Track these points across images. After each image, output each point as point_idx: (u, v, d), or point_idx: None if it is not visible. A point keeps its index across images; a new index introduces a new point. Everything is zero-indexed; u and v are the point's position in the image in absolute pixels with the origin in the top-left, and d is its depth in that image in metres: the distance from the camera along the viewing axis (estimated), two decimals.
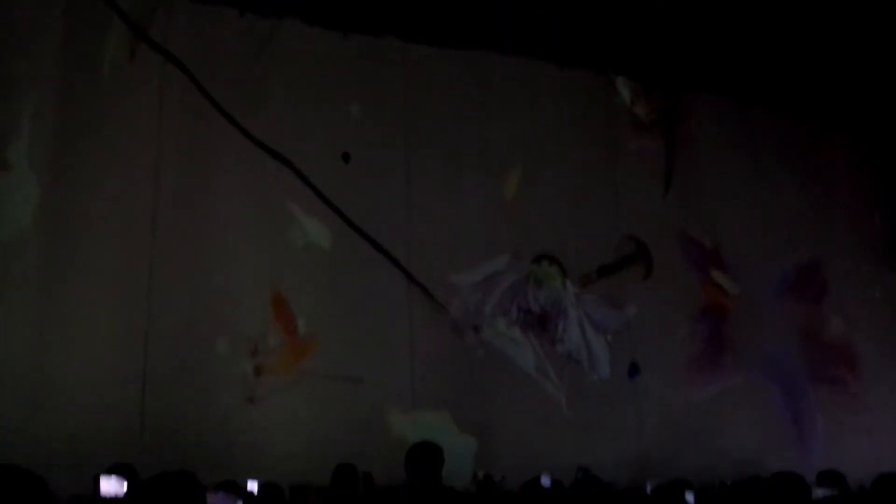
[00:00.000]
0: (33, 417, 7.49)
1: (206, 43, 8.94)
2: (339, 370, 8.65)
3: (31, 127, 8.19)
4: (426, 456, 4.62)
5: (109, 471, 5.56)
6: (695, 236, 10.70)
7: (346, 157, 9.20)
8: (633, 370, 9.90)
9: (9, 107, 8.14)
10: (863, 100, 10.92)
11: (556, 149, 10.16)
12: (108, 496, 5.17)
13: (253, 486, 6.37)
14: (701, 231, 10.72)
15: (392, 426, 8.68)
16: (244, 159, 8.82)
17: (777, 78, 10.51)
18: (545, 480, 6.57)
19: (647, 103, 10.85)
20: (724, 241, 10.75)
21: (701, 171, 10.85)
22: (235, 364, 8.41)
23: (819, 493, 6.00)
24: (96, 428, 7.67)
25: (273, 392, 8.46)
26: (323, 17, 9.33)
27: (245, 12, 9.07)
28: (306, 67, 9.28)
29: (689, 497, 6.09)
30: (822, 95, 10.80)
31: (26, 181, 8.14)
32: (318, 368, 8.63)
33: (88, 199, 8.25)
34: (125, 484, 5.08)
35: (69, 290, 8.04)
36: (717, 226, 10.78)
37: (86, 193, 8.26)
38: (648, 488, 7.08)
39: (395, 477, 5.56)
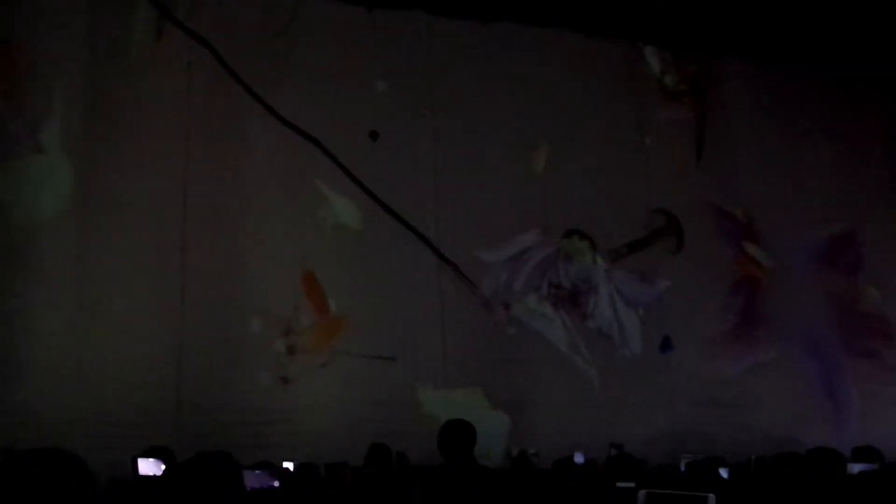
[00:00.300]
0: (70, 398, 7.62)
1: (232, 22, 8.91)
2: (370, 349, 8.69)
3: (62, 111, 8.26)
4: (459, 434, 4.62)
5: (146, 453, 5.65)
6: (727, 208, 10.54)
7: (373, 136, 9.16)
8: (666, 345, 9.83)
9: (40, 92, 8.19)
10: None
11: (584, 121, 10.03)
12: (145, 477, 5.25)
13: (289, 465, 6.43)
14: (733, 203, 10.56)
15: (424, 403, 8.73)
16: (273, 138, 8.82)
17: (808, 42, 10.21)
18: (578, 458, 6.57)
19: (677, 72, 10.66)
20: (757, 212, 10.58)
21: (732, 141, 10.66)
22: (269, 344, 8.48)
23: (855, 468, 5.96)
24: (133, 408, 7.79)
25: (306, 371, 8.53)
26: None
27: None
28: (332, 44, 9.22)
29: (724, 473, 6.07)
30: (855, 60, 10.51)
31: (60, 164, 8.23)
32: (350, 347, 8.68)
33: (120, 181, 8.32)
34: (162, 466, 5.14)
35: (104, 270, 8.14)
36: (749, 197, 10.60)
37: (117, 175, 8.33)
38: (682, 465, 7.06)
39: (427, 454, 5.58)
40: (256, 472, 5.15)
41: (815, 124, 10.97)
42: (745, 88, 10.77)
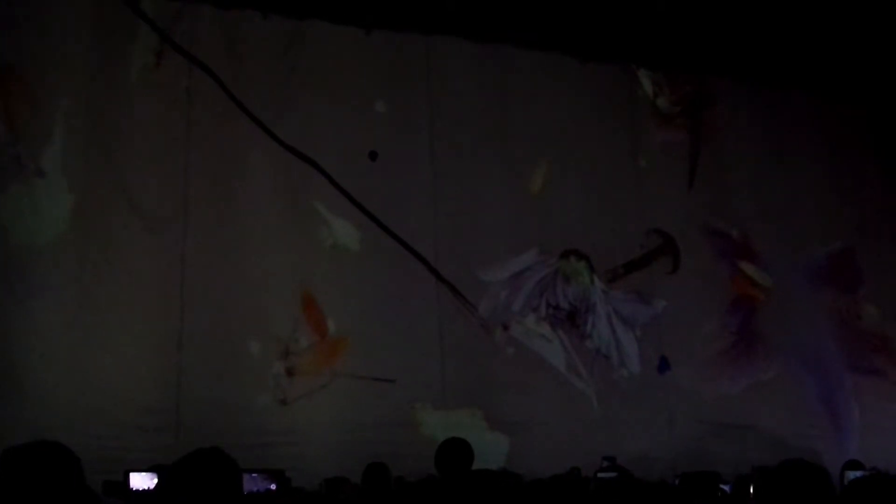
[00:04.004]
0: (69, 418, 7.60)
1: (231, 46, 9.00)
2: (369, 370, 8.68)
3: (63, 134, 8.32)
4: (456, 452, 4.63)
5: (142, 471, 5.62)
6: (722, 228, 10.58)
7: (372, 156, 9.22)
8: (663, 365, 9.83)
9: (41, 115, 8.26)
10: (892, 80, 10.69)
11: (580, 143, 10.10)
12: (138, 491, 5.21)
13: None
14: (728, 222, 10.59)
15: (423, 424, 8.71)
16: (271, 160, 8.88)
17: (801, 61, 10.27)
18: None
19: (671, 94, 10.74)
20: (753, 231, 10.61)
21: (726, 161, 10.72)
22: (268, 366, 8.49)
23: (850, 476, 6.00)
24: (131, 429, 7.80)
25: (305, 393, 8.52)
26: (345, 14, 9.29)
27: (268, 14, 9.11)
28: (330, 66, 9.29)
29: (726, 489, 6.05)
30: (847, 78, 10.58)
31: (60, 187, 8.27)
32: (349, 369, 8.68)
33: (120, 204, 8.37)
34: (154, 479, 5.11)
35: (104, 293, 8.16)
36: (744, 216, 10.64)
37: (117, 198, 8.38)
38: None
39: (425, 476, 5.58)
40: (253, 475, 5.15)
41: (808, 141, 11.03)
42: (739, 108, 10.83)
